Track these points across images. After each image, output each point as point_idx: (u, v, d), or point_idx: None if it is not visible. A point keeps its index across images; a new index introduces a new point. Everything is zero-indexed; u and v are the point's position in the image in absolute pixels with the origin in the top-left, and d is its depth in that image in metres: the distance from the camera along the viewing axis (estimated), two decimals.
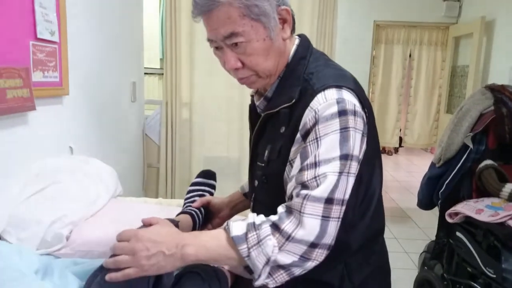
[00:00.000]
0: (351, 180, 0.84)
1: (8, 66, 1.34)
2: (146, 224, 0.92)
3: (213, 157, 3.27)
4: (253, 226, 0.82)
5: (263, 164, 0.98)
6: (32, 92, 1.45)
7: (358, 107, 0.86)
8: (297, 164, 0.86)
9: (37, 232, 1.24)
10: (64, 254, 1.26)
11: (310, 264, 0.81)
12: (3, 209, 1.24)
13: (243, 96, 3.11)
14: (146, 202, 1.82)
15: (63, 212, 1.32)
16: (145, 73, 3.31)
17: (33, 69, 1.50)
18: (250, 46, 0.88)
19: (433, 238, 2.40)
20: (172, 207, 1.68)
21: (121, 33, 2.51)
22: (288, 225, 0.80)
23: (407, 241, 3.55)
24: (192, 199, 1.30)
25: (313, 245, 0.80)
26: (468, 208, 1.91)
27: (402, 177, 5.92)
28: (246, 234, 0.82)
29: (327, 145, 0.82)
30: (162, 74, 3.36)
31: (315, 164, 0.82)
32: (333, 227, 0.81)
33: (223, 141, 3.26)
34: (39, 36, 1.51)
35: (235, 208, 1.29)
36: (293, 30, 0.98)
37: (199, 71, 3.14)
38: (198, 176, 1.40)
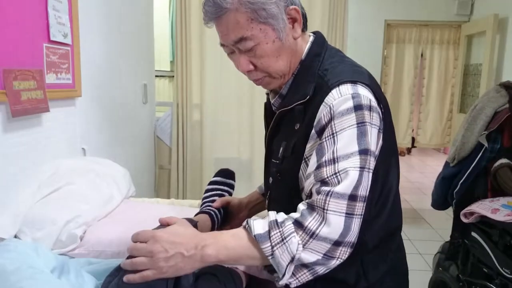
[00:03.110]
0: (370, 176, 0.83)
1: (23, 68, 1.36)
2: (164, 224, 0.91)
3: (224, 158, 3.26)
4: (275, 224, 0.80)
5: (277, 161, 0.98)
6: (46, 94, 1.46)
7: (374, 102, 0.85)
8: (313, 161, 0.85)
9: (51, 232, 1.24)
10: (78, 254, 1.27)
11: (334, 263, 0.80)
12: (19, 210, 1.25)
13: (254, 97, 3.11)
14: (159, 202, 1.83)
15: (77, 213, 1.33)
16: (156, 76, 3.33)
17: (47, 71, 1.51)
18: (260, 48, 0.89)
19: (447, 239, 2.37)
20: (184, 207, 1.69)
21: (132, 36, 2.53)
22: (311, 222, 0.79)
23: (421, 242, 3.51)
24: (211, 198, 1.28)
25: (337, 243, 0.78)
26: (484, 207, 1.88)
27: (415, 178, 5.86)
28: (269, 232, 0.80)
29: (344, 140, 0.81)
30: (173, 76, 3.37)
31: (334, 160, 0.81)
32: (356, 225, 0.80)
33: (234, 142, 3.26)
34: (52, 38, 1.53)
35: (254, 208, 1.27)
36: (305, 27, 0.97)
37: (210, 72, 3.15)
38: (217, 175, 1.37)
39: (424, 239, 3.59)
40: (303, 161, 0.90)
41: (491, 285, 1.89)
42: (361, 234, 0.86)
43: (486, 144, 2.01)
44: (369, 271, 0.94)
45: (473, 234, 1.99)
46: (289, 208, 0.85)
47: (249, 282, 1.17)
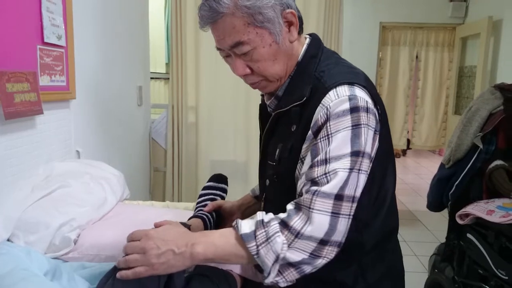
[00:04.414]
0: (363, 178, 0.83)
1: (16, 70, 1.34)
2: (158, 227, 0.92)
3: (219, 160, 3.26)
4: (261, 224, 0.82)
5: (274, 163, 0.98)
6: (40, 96, 1.45)
7: (371, 104, 0.85)
8: (307, 161, 0.85)
9: (45, 235, 1.23)
10: (71, 258, 1.26)
11: (321, 262, 0.80)
12: (12, 213, 1.24)
13: (249, 99, 3.11)
14: (153, 205, 1.82)
15: (71, 216, 1.31)
16: (151, 78, 3.32)
17: (40, 73, 1.50)
18: (257, 52, 0.89)
19: (443, 240, 2.37)
20: (179, 210, 1.68)
21: (127, 37, 2.52)
22: (297, 222, 0.80)
23: (416, 243, 3.51)
24: (204, 203, 1.30)
25: (322, 242, 0.79)
26: (479, 209, 1.89)
27: (411, 180, 5.88)
28: (254, 231, 0.81)
29: (338, 142, 0.81)
30: (168, 79, 3.37)
31: (326, 161, 0.81)
32: (343, 224, 0.80)
33: (230, 144, 3.25)
34: (46, 40, 1.52)
35: (246, 211, 1.28)
36: (301, 30, 0.97)
37: (205, 75, 3.15)
38: (210, 180, 1.40)
39: (419, 240, 3.60)
40: (299, 161, 0.90)
41: (487, 286, 1.89)
42: (359, 235, 0.86)
43: (481, 146, 2.01)
44: (367, 272, 0.95)
45: (469, 235, 2.00)
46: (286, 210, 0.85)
47: (244, 284, 1.17)
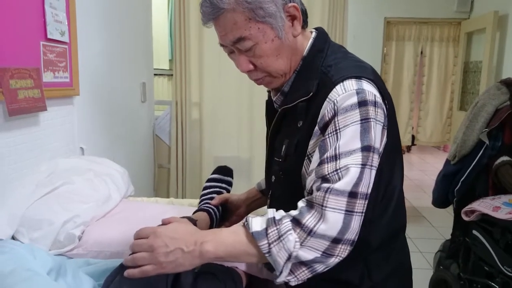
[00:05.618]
0: (373, 174, 0.81)
1: (19, 66, 1.34)
2: (166, 224, 0.91)
3: (223, 157, 3.25)
4: (273, 221, 0.80)
5: (280, 160, 0.96)
6: (43, 93, 1.45)
7: (379, 98, 0.83)
8: (316, 157, 0.83)
9: (49, 232, 1.23)
10: (76, 254, 1.26)
11: (333, 261, 0.79)
12: (16, 210, 1.24)
13: (253, 95, 3.10)
14: (158, 202, 1.82)
15: (75, 213, 1.32)
16: (155, 74, 3.31)
17: (44, 70, 1.50)
18: (259, 48, 0.88)
19: (448, 237, 2.36)
20: (183, 206, 1.67)
21: (131, 34, 2.52)
22: (309, 220, 0.77)
23: (421, 240, 3.50)
24: (209, 195, 1.29)
25: (336, 241, 0.77)
26: (485, 205, 1.88)
27: (415, 176, 5.85)
28: (266, 229, 0.79)
29: (347, 137, 0.79)
30: (171, 75, 3.36)
31: (336, 157, 0.79)
32: (357, 222, 0.78)
33: (234, 141, 3.25)
34: (49, 36, 1.51)
35: (251, 205, 1.28)
36: (305, 24, 0.96)
37: (209, 71, 3.14)
38: (215, 172, 1.38)
39: (424, 237, 3.58)
40: (306, 157, 0.88)
41: (492, 283, 1.88)
42: (365, 233, 0.84)
43: (487, 142, 2.00)
44: (373, 271, 0.93)
45: (474, 232, 1.98)
46: (292, 206, 0.84)
47: (249, 281, 1.16)
